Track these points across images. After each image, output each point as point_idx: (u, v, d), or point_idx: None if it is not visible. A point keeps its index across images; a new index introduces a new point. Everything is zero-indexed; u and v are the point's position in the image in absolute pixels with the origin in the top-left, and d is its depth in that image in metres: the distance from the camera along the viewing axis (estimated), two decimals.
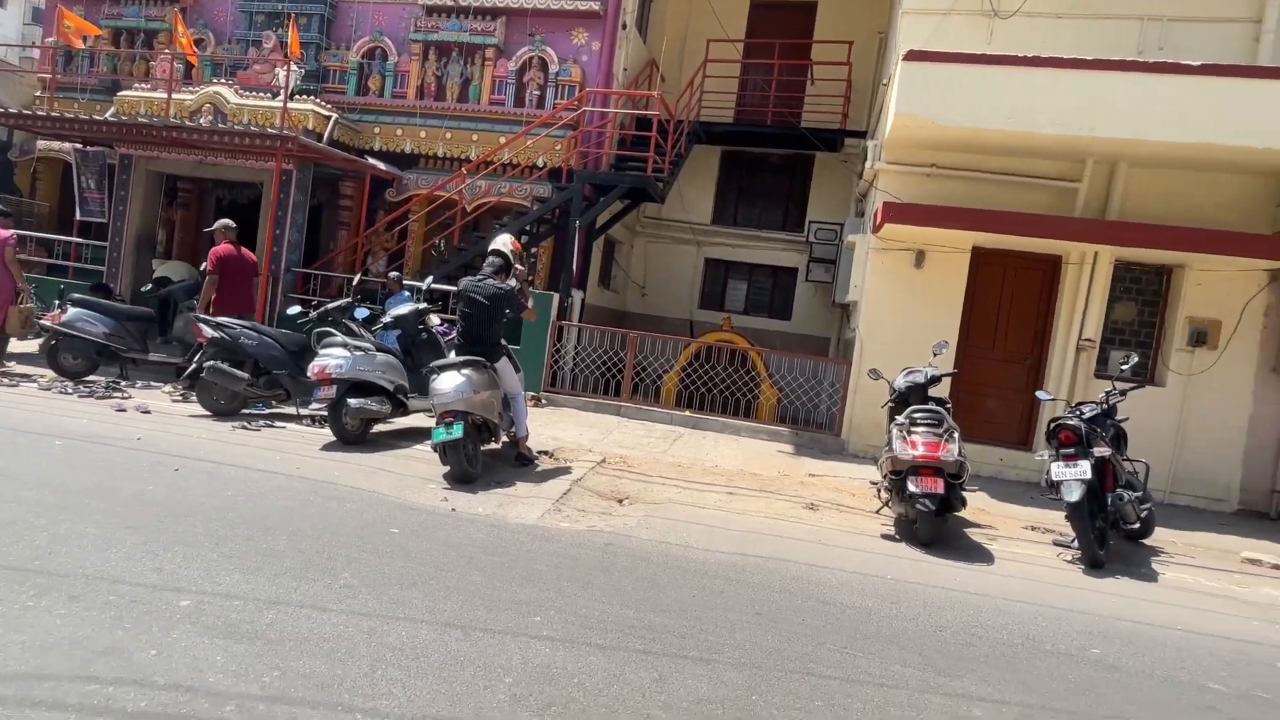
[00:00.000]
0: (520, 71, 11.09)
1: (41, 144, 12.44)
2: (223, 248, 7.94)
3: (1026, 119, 7.17)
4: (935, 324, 8.19)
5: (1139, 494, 5.55)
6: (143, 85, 11.62)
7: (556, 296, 9.83)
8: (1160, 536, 5.97)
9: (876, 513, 6.00)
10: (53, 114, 10.49)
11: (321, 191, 11.16)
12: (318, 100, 10.96)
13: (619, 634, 3.12)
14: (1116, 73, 6.95)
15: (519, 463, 6.29)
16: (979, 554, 5.23)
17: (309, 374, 6.30)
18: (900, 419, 5.41)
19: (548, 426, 7.96)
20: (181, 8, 11.88)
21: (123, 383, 7.90)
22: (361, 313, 7.77)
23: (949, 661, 3.27)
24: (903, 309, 8.48)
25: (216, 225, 8.15)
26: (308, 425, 6.97)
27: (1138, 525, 5.54)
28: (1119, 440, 5.73)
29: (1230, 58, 7.39)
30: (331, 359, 6.24)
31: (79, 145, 11.45)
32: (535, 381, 9.29)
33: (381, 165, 10.88)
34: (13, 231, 8.03)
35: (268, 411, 7.27)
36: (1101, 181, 7.98)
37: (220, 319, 7.21)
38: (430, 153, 11.31)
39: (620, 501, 5.64)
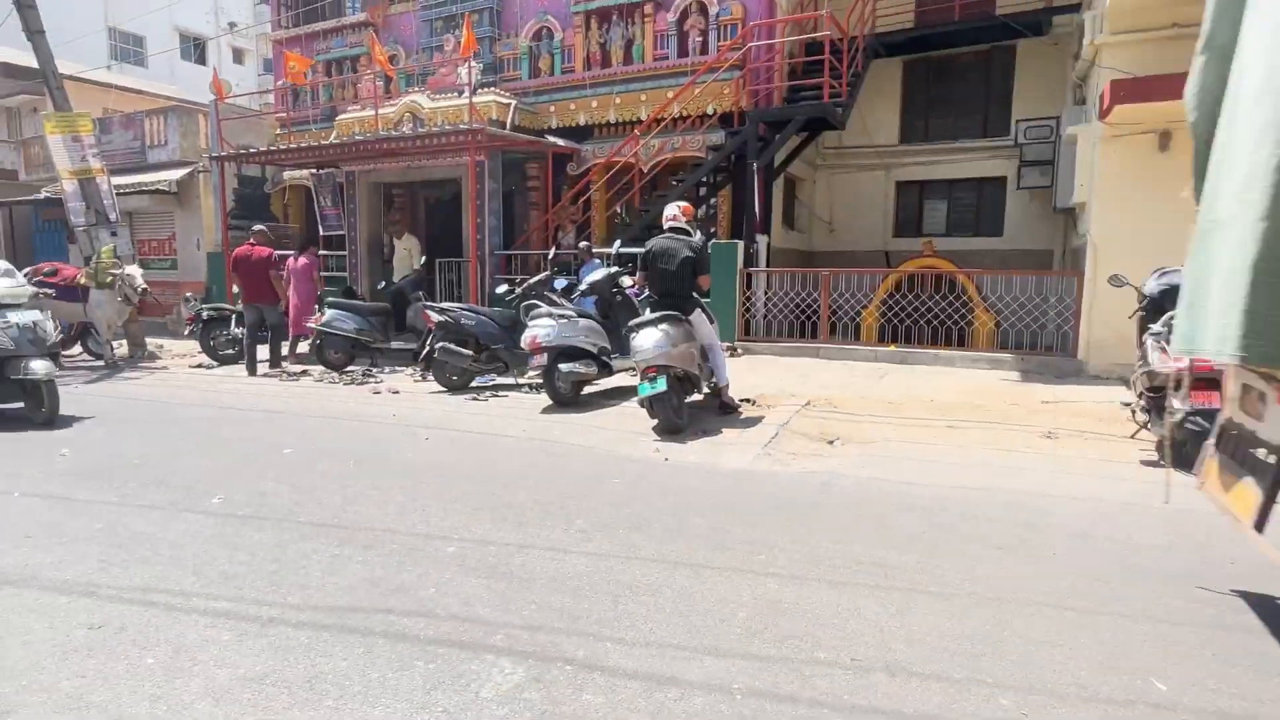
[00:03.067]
0: (680, 21, 10.91)
1: (286, 174, 14.54)
2: (240, 249, 9.47)
3: None
4: (1186, 216, 6.94)
5: None
6: (354, 107, 13.08)
7: (741, 244, 9.69)
8: None
9: (1132, 437, 5.29)
10: (288, 146, 12.18)
11: (510, 177, 11.90)
12: (497, 90, 11.64)
13: (848, 570, 3.06)
14: None
15: (723, 411, 6.35)
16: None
17: (522, 345, 6.82)
18: (1156, 327, 4.67)
19: (746, 375, 7.95)
20: (374, 29, 13.14)
21: (374, 370, 9.12)
22: (560, 283, 8.26)
23: (1228, 598, 2.81)
24: (1143, 203, 7.28)
25: (255, 228, 9.69)
26: (526, 392, 7.58)
27: None
28: None
29: None
30: (541, 329, 6.69)
31: (314, 170, 13.23)
32: (729, 331, 9.28)
33: (560, 141, 11.34)
34: (274, 251, 9.55)
35: (492, 383, 8.01)
36: None
37: (443, 304, 8.03)
38: (603, 121, 11.56)
39: (830, 442, 5.50)
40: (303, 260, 9.89)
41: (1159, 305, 5.16)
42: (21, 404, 6.33)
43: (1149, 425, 4.93)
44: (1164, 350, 4.51)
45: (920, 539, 3.42)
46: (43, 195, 16.23)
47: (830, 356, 8.98)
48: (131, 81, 22.32)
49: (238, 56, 32.10)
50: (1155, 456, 4.83)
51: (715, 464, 4.89)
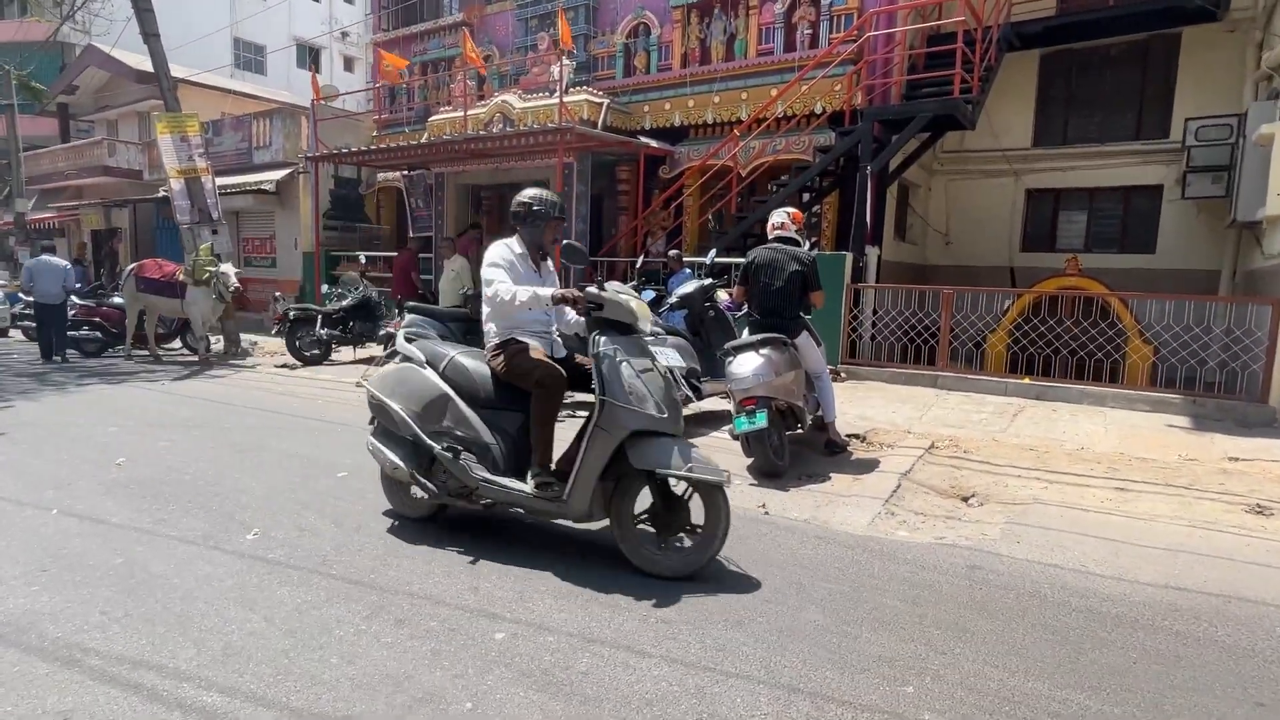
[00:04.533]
0: (788, 12, 10.05)
1: (380, 176, 14.56)
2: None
3: None
4: None
5: None
6: (447, 108, 12.89)
7: (849, 256, 8.71)
8: None
9: None
10: (379, 148, 12.08)
11: (600, 180, 11.35)
12: (590, 89, 11.11)
13: None
14: None
15: (829, 451, 5.47)
16: None
17: None
18: None
19: (853, 404, 7.00)
20: (469, 28, 12.91)
21: None
22: (648, 295, 7.55)
23: None
24: None
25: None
26: None
27: None
28: None
29: None
30: None
31: (405, 171, 13.12)
32: (833, 353, 8.30)
33: (653, 143, 10.69)
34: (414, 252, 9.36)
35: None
36: None
37: None
38: (699, 121, 10.83)
39: (965, 500, 4.53)
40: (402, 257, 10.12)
41: None
42: None
43: None
44: None
45: (1131, 677, 2.47)
46: (161, 194, 17.02)
47: (949, 387, 7.87)
48: (251, 88, 23.36)
49: (349, 65, 33.39)
50: None
51: (826, 522, 4.03)
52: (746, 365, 4.91)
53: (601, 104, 10.84)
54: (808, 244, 5.57)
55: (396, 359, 3.91)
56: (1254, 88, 8.80)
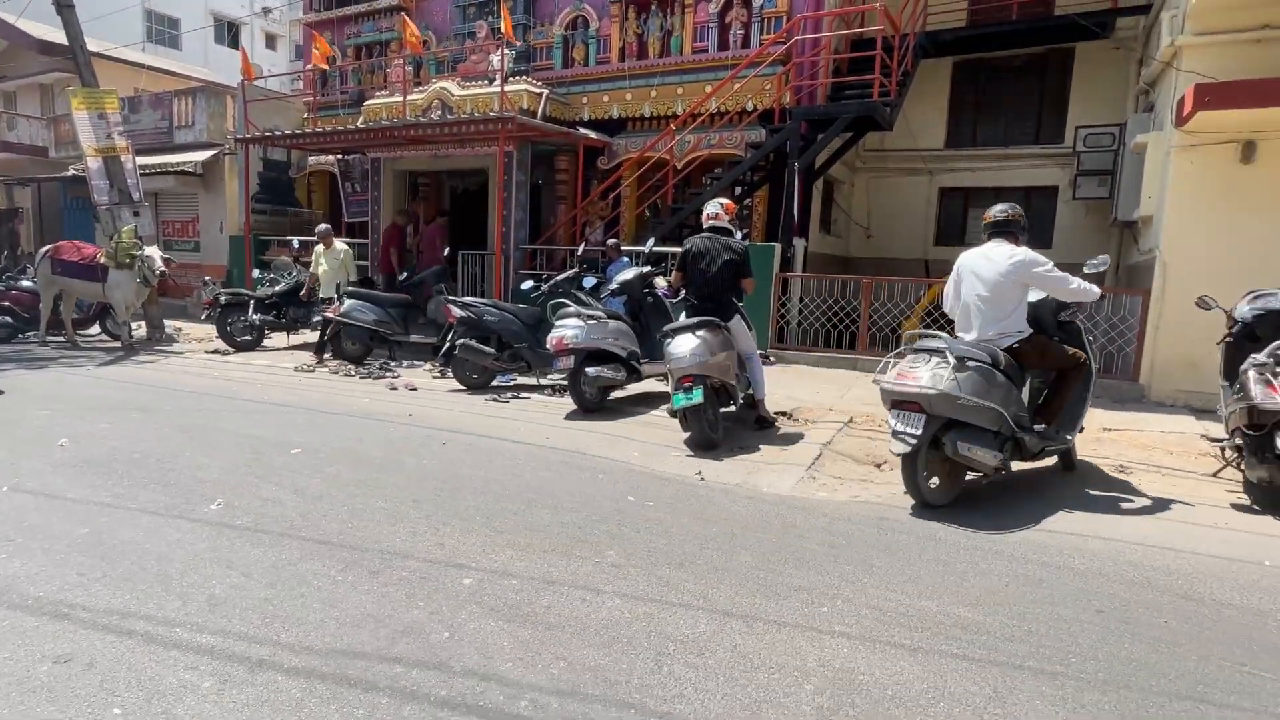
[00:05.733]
0: (722, 12, 10.47)
1: (312, 159, 14.28)
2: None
3: None
4: (1272, 233, 6.46)
5: None
6: (382, 93, 12.78)
7: (778, 247, 9.24)
8: None
9: (1215, 475, 4.81)
10: (313, 130, 11.90)
11: (539, 169, 11.53)
12: (529, 79, 11.27)
13: (926, 633, 2.63)
14: None
15: (759, 426, 5.94)
16: None
17: (549, 345, 6.44)
18: (1261, 357, 4.17)
19: (780, 385, 7.50)
20: (406, 12, 12.82)
21: (392, 363, 8.78)
22: (589, 281, 7.88)
23: None
24: (1221, 218, 6.77)
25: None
26: (549, 395, 7.20)
27: None
28: None
29: None
30: (568, 329, 6.30)
31: (340, 155, 12.95)
32: (762, 338, 8.83)
33: (592, 134, 10.95)
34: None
35: (512, 383, 7.63)
36: None
37: (465, 299, 7.68)
38: (637, 114, 11.15)
39: (878, 466, 5.07)
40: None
41: (1251, 331, 4.69)
42: None
43: (1241, 465, 4.44)
44: (1271, 384, 4.02)
45: (1003, 595, 2.98)
46: (70, 173, 16.14)
47: (869, 369, 8.47)
48: (165, 63, 22.25)
49: (271, 42, 32.10)
50: (1248, 500, 4.34)
51: (756, 486, 4.47)
52: (684, 346, 5.30)
53: (541, 94, 11.02)
54: (739, 234, 5.99)
55: (953, 367, 3.90)
56: (1134, 100, 9.77)
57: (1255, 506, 4.23)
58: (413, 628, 2.58)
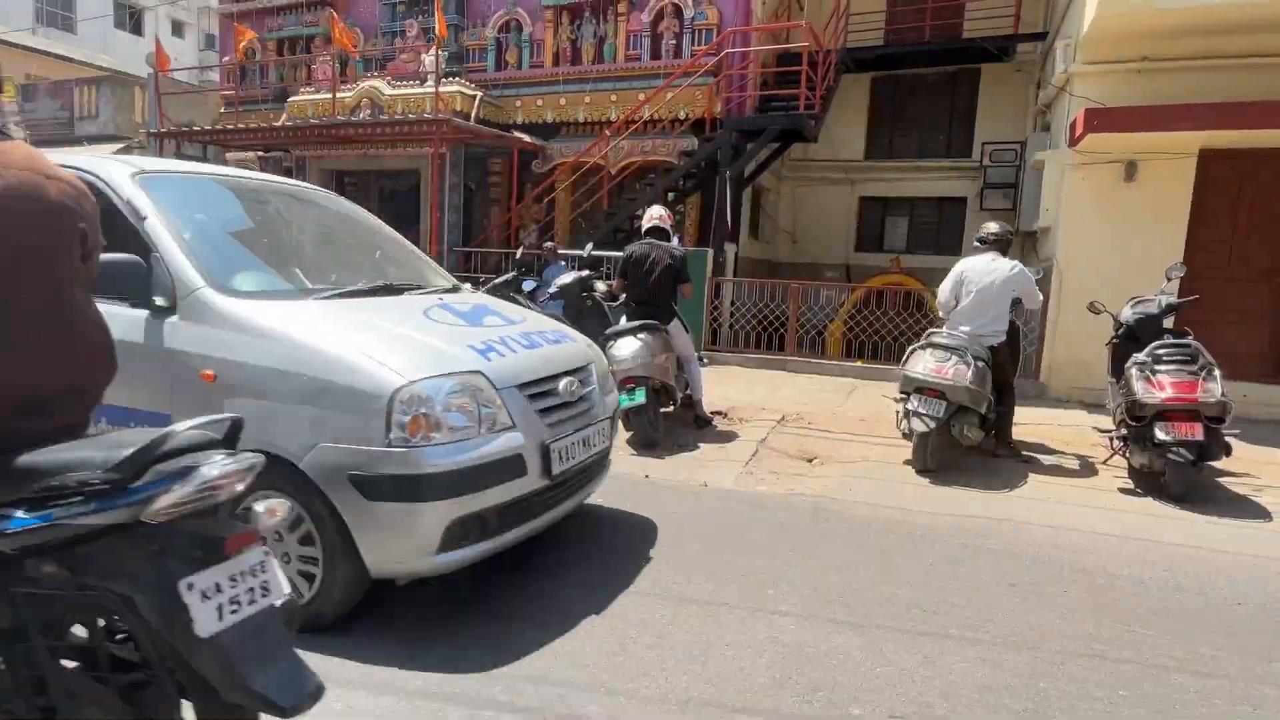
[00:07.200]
0: (655, 22, 10.73)
1: (230, 156, 13.71)
2: None
3: None
4: (1152, 245, 7.15)
5: None
6: (308, 89, 12.42)
7: (710, 252, 9.55)
8: None
9: (1104, 463, 5.33)
10: (236, 126, 11.47)
11: (472, 172, 11.49)
12: (462, 81, 11.21)
13: (863, 608, 2.89)
14: None
15: (697, 425, 6.17)
16: (1249, 508, 4.48)
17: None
18: (1141, 357, 4.69)
19: (715, 385, 7.77)
20: (333, 7, 12.51)
21: None
22: (528, 285, 7.94)
23: (1266, 641, 2.76)
24: (1109, 231, 7.45)
25: None
26: None
27: None
28: None
29: None
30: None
31: (260, 153, 12.51)
32: (696, 340, 9.09)
33: (527, 137, 11.00)
34: None
35: None
36: None
37: None
38: (572, 119, 11.26)
39: (810, 461, 5.38)
40: None
41: (1133, 333, 5.23)
42: None
43: (1126, 453, 4.96)
44: (1149, 380, 4.53)
45: (928, 573, 3.28)
46: None
47: (797, 370, 8.91)
48: (60, 48, 20.84)
49: (177, 29, 30.41)
50: (1131, 484, 4.86)
51: (699, 482, 4.68)
52: (626, 349, 5.48)
53: (475, 96, 10.98)
54: (676, 240, 6.22)
55: (971, 365, 4.78)
56: (1033, 119, 10.60)
57: (1138, 490, 4.74)
58: None
